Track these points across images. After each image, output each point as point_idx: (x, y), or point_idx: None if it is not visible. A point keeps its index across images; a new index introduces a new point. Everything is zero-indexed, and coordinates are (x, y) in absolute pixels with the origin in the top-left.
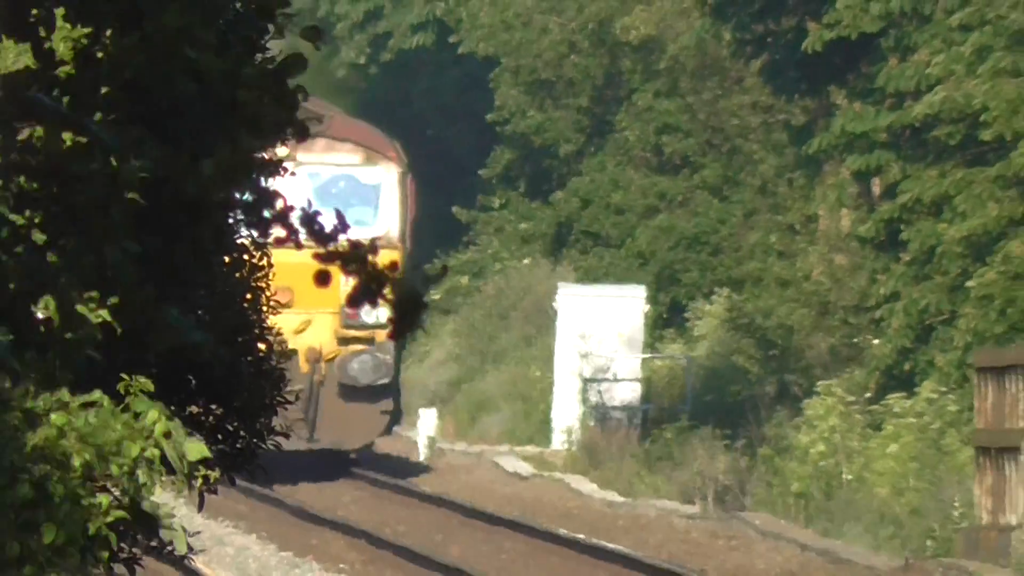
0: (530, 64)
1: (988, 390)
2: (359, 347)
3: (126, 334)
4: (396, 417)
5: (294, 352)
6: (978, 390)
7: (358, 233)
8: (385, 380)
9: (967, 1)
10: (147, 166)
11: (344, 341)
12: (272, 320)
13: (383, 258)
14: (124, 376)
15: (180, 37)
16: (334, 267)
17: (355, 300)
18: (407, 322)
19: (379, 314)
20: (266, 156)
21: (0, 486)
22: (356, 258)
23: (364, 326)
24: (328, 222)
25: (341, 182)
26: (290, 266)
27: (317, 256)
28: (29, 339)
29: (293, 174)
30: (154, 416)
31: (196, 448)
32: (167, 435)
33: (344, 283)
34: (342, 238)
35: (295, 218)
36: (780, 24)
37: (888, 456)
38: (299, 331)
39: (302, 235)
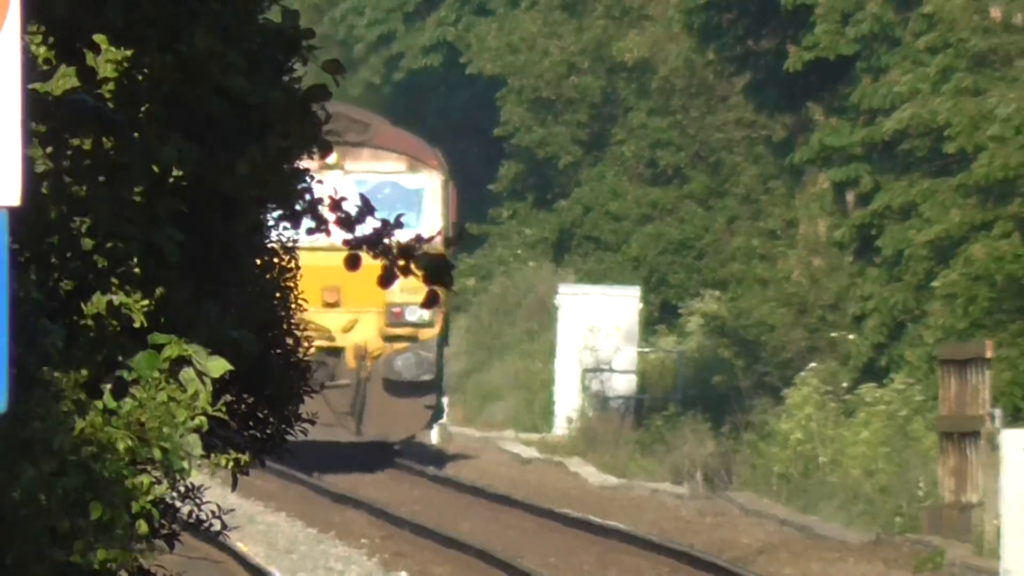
0: (533, 83)
1: (951, 381)
2: (403, 345)
3: (168, 330)
4: (439, 411)
5: (341, 349)
6: (942, 381)
7: (403, 236)
8: (428, 376)
9: (932, 26)
10: (185, 168)
11: (389, 339)
12: (321, 318)
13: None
14: (176, 339)
15: (211, 58)
16: (371, 257)
17: (386, 280)
18: (439, 281)
19: (423, 313)
20: (316, 163)
21: (51, 469)
22: (379, 240)
23: (408, 324)
24: (352, 207)
25: (387, 188)
26: (338, 268)
27: (345, 242)
28: (78, 335)
29: (320, 182)
30: (196, 387)
31: (218, 365)
32: (211, 403)
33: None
34: (370, 220)
35: (323, 208)
36: (761, 46)
37: (860, 441)
38: (346, 329)
39: (331, 223)
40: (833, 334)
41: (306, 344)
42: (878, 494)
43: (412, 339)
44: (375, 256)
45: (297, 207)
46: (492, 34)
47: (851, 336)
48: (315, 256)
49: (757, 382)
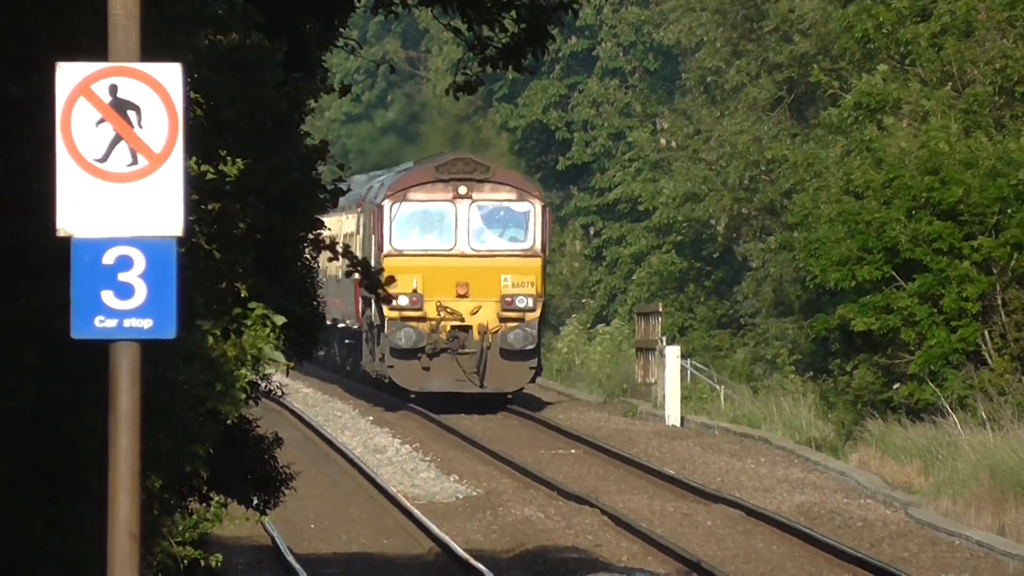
0: None
1: (642, 323)
2: (514, 324)
3: (257, 299)
4: (539, 371)
5: (469, 327)
6: (637, 323)
7: (513, 246)
8: (531, 346)
9: (631, 148)
10: (260, 226)
11: (504, 320)
12: (455, 305)
13: (531, 264)
14: (261, 305)
15: (283, 165)
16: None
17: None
18: (372, 288)
19: (529, 301)
20: (450, 194)
21: (197, 367)
22: (358, 262)
23: (517, 309)
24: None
25: (501, 212)
26: (468, 269)
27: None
28: (215, 299)
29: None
30: (271, 324)
31: (279, 319)
32: (279, 335)
33: (503, 281)
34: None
35: (335, 248)
36: (548, 159)
37: (597, 353)
38: (473, 312)
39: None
40: (583, 300)
41: (324, 305)
42: (605, 379)
43: (520, 320)
44: (351, 268)
45: (319, 247)
46: None
47: (592, 302)
48: (450, 260)
49: (547, 324)
